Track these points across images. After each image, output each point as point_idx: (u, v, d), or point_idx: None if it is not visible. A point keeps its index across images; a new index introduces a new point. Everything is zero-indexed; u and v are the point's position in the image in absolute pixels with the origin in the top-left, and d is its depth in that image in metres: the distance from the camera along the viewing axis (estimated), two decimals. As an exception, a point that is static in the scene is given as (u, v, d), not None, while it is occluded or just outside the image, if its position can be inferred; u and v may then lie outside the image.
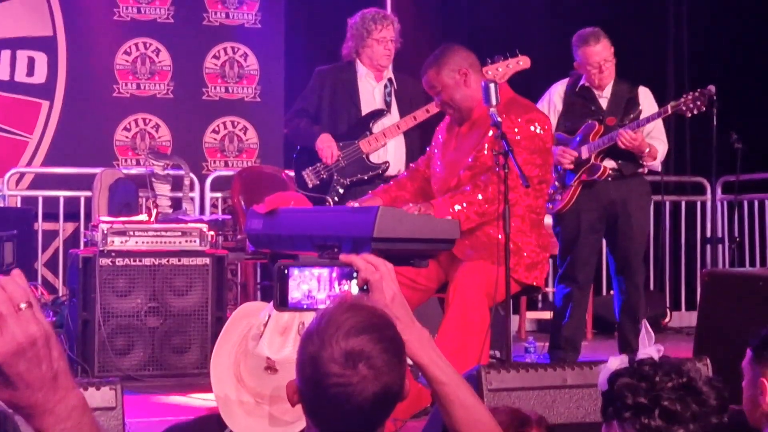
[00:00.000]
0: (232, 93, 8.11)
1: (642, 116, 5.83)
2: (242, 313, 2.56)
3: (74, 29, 7.75)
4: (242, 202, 7.13)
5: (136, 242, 5.68)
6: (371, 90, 6.04)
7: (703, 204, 8.75)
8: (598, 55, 5.77)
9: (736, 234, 8.49)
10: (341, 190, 5.89)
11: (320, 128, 5.92)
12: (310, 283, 2.05)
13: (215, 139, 8.07)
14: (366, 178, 5.90)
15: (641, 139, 5.70)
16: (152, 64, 7.91)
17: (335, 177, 5.90)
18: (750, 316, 4.34)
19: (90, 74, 7.80)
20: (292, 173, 6.44)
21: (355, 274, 2.05)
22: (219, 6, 8.09)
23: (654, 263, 8.54)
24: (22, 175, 7.65)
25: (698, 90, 5.78)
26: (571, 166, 5.76)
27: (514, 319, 7.52)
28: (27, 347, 1.38)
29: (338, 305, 1.85)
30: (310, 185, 5.93)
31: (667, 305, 8.34)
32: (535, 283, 4.65)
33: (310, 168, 5.93)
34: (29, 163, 7.68)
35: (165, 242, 5.74)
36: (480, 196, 4.43)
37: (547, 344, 5.96)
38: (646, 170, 5.94)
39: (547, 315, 7.12)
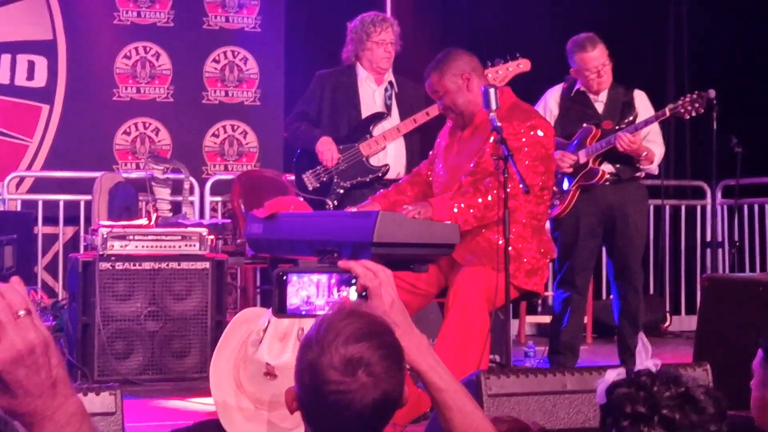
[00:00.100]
0: (231, 97, 8.11)
1: (638, 119, 5.83)
2: (242, 318, 2.56)
3: (74, 33, 7.74)
4: (242, 206, 7.13)
5: (136, 246, 5.68)
6: (371, 93, 6.04)
7: (703, 208, 8.75)
8: (596, 60, 5.78)
9: (736, 238, 8.48)
10: (341, 193, 5.89)
11: (320, 131, 5.92)
12: (309, 290, 2.05)
13: (215, 143, 8.07)
14: (366, 181, 5.90)
15: (639, 143, 5.71)
16: (152, 67, 7.91)
17: (335, 180, 5.90)
18: (750, 320, 4.34)
19: (90, 78, 7.79)
20: (292, 177, 6.44)
21: (353, 281, 2.05)
22: (219, 10, 8.09)
23: (654, 267, 8.54)
24: (22, 178, 7.64)
25: (696, 92, 5.79)
26: (570, 170, 5.76)
27: (514, 324, 7.52)
28: (26, 354, 1.38)
29: (337, 312, 1.85)
30: (310, 188, 5.93)
31: (667, 309, 8.34)
32: (534, 289, 4.65)
33: (310, 171, 5.94)
34: (29, 167, 7.67)
35: (165, 246, 5.74)
36: (480, 200, 4.42)
37: (546, 348, 5.96)
38: (643, 174, 5.95)
39: (547, 319, 7.12)
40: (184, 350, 5.71)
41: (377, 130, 5.95)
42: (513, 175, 4.23)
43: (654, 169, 5.95)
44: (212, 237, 5.90)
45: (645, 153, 5.74)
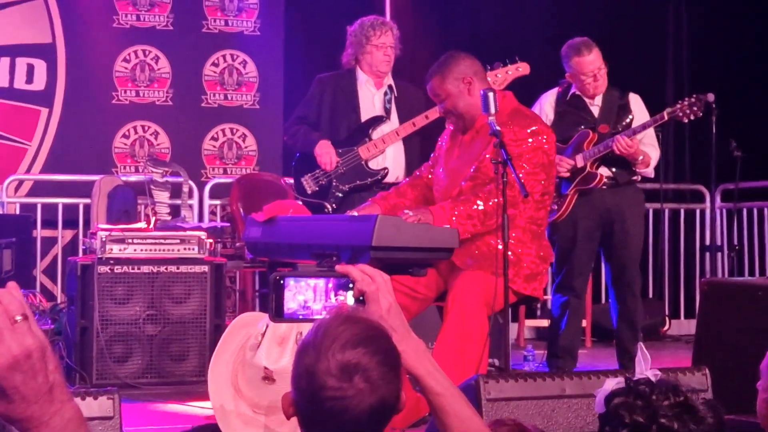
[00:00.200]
0: (231, 100, 8.11)
1: (634, 122, 5.84)
2: (240, 323, 2.55)
3: (74, 36, 7.75)
4: (241, 210, 7.13)
5: (135, 250, 5.68)
6: (371, 97, 6.04)
7: (702, 212, 8.75)
8: (592, 64, 5.78)
9: (735, 242, 8.48)
10: (340, 196, 5.89)
11: (319, 135, 5.92)
12: (306, 294, 2.04)
13: (214, 147, 8.07)
14: (365, 184, 5.90)
15: (637, 146, 5.71)
16: (151, 71, 7.91)
17: (334, 183, 5.90)
18: (749, 324, 4.34)
19: (89, 81, 7.80)
20: (291, 181, 6.44)
21: (351, 285, 2.04)
22: (218, 13, 8.09)
23: (653, 271, 8.53)
24: (21, 182, 7.64)
25: (694, 96, 5.79)
26: (568, 175, 5.76)
27: (513, 327, 7.51)
28: (22, 360, 1.37)
29: (334, 317, 1.84)
30: (309, 191, 5.93)
31: (666, 313, 8.34)
32: (533, 294, 4.64)
33: (309, 174, 5.94)
34: (28, 170, 7.67)
35: (163, 250, 5.74)
36: (480, 206, 4.41)
37: (545, 352, 5.96)
38: (639, 178, 5.95)
39: (546, 323, 7.11)
40: (182, 354, 5.70)
41: (376, 133, 5.95)
42: (512, 179, 4.22)
43: (650, 172, 5.95)
44: (211, 240, 5.90)
45: (642, 157, 5.74)
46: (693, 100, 5.76)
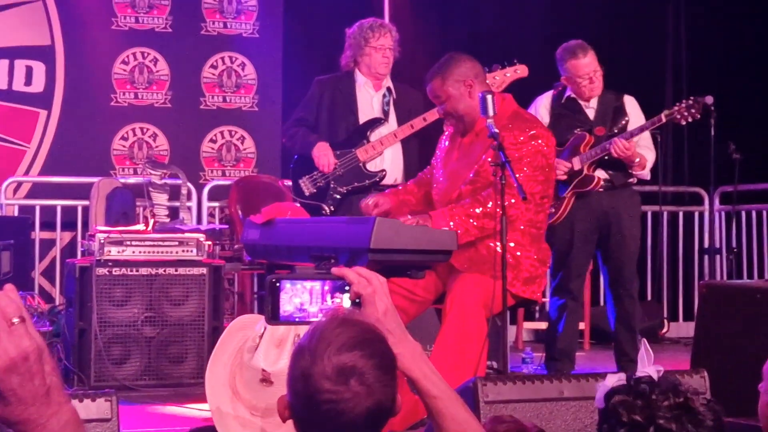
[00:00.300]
0: (229, 102, 8.11)
1: (630, 124, 5.84)
2: (238, 325, 2.55)
3: (72, 39, 7.75)
4: (239, 212, 7.13)
5: (133, 252, 5.67)
6: (370, 99, 6.04)
7: (701, 214, 8.75)
8: (588, 66, 5.78)
9: (734, 245, 8.48)
10: (338, 198, 5.89)
11: (317, 137, 5.92)
12: (302, 297, 2.04)
13: (213, 149, 8.07)
14: (363, 186, 5.90)
15: (634, 149, 5.71)
16: (150, 73, 7.91)
17: (332, 185, 5.90)
18: (747, 327, 4.34)
19: (88, 83, 7.80)
20: (289, 183, 6.43)
21: (347, 288, 2.04)
22: (217, 15, 8.09)
23: (652, 274, 8.53)
24: (19, 184, 7.64)
25: (692, 98, 5.79)
26: (565, 178, 5.76)
27: (511, 330, 7.52)
28: (19, 362, 1.37)
29: (330, 320, 1.84)
30: (307, 193, 5.93)
31: (665, 316, 8.34)
32: (532, 297, 4.64)
33: (307, 176, 5.94)
34: (27, 172, 7.67)
35: (162, 252, 5.73)
36: (479, 210, 4.41)
37: (543, 354, 5.96)
38: (635, 180, 5.95)
39: (544, 325, 7.11)
40: (180, 356, 5.70)
41: (374, 135, 5.96)
42: (511, 182, 4.22)
43: (646, 174, 5.95)
44: (209, 242, 5.89)
45: (638, 159, 5.75)
46: (691, 102, 5.76)
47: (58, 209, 7.53)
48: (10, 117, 7.64)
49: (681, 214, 8.76)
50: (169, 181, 6.84)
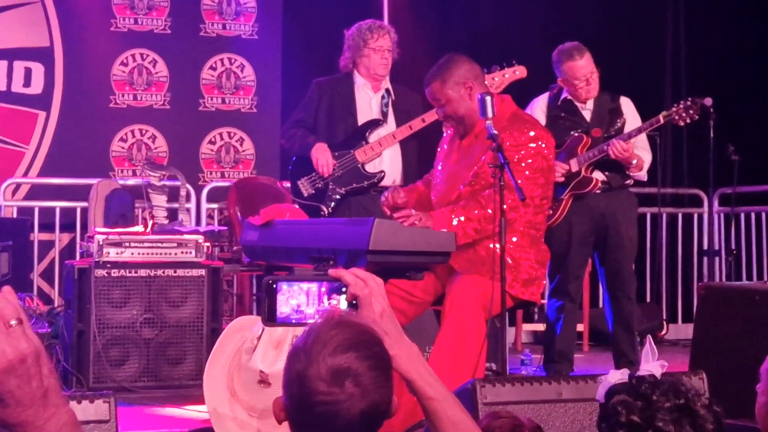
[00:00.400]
0: (228, 104, 8.11)
1: (626, 126, 5.84)
2: (236, 326, 2.55)
3: (71, 40, 7.75)
4: (238, 213, 7.12)
5: (132, 253, 5.67)
6: (368, 101, 6.04)
7: (700, 216, 8.75)
8: (585, 68, 5.78)
9: (733, 246, 8.48)
10: (337, 199, 5.89)
11: (315, 138, 5.92)
12: (299, 298, 2.03)
13: (212, 150, 8.07)
14: (361, 187, 5.90)
15: (631, 150, 5.72)
16: (149, 74, 7.91)
17: (330, 186, 5.90)
18: (746, 329, 4.35)
19: (87, 85, 7.80)
20: (288, 184, 6.43)
21: (344, 289, 2.04)
22: (216, 17, 8.09)
23: (651, 275, 8.53)
24: (18, 185, 7.64)
25: (690, 99, 5.79)
26: (563, 179, 5.76)
27: (510, 332, 7.52)
28: (17, 364, 1.37)
29: (325, 322, 1.84)
30: (306, 195, 5.93)
31: (664, 317, 8.34)
32: (531, 299, 4.64)
33: (306, 178, 5.94)
34: (25, 174, 7.67)
35: (161, 253, 5.73)
36: (479, 212, 4.41)
37: (542, 356, 5.96)
38: (632, 181, 5.95)
39: (543, 327, 7.12)
40: (179, 358, 5.69)
41: (373, 136, 5.95)
42: (509, 183, 4.22)
43: (643, 176, 5.96)
44: (208, 244, 5.89)
45: (635, 160, 5.75)
46: (689, 103, 5.76)
47: (57, 211, 7.54)
48: (9, 118, 7.64)
49: (680, 216, 8.76)
50: (168, 183, 6.83)
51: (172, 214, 6.87)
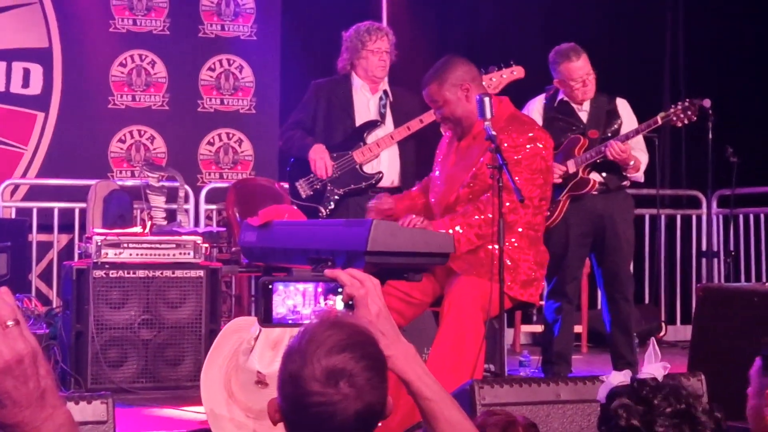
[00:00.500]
0: (227, 105, 8.11)
1: (622, 127, 5.84)
2: (233, 327, 2.55)
3: (70, 41, 7.74)
4: (237, 214, 7.12)
5: (130, 254, 5.67)
6: (366, 102, 6.04)
7: (699, 218, 8.75)
8: (581, 69, 5.78)
9: (732, 248, 8.48)
10: (335, 200, 5.90)
11: (313, 139, 5.93)
12: (295, 299, 2.03)
13: (210, 151, 8.07)
14: (359, 188, 5.90)
15: (629, 151, 5.72)
16: (148, 75, 7.91)
17: (329, 187, 5.90)
18: (745, 330, 4.34)
19: (85, 86, 7.79)
20: (286, 185, 6.44)
21: (340, 290, 2.03)
22: (215, 18, 8.09)
23: (649, 277, 8.53)
24: (16, 186, 7.64)
25: (688, 100, 5.79)
26: (560, 181, 5.76)
27: (509, 333, 7.52)
28: (14, 365, 1.37)
29: (320, 322, 1.83)
30: (304, 196, 5.93)
31: (662, 319, 8.34)
32: (529, 300, 4.64)
33: (304, 179, 5.94)
34: (24, 175, 7.67)
35: (159, 254, 5.73)
36: (479, 217, 4.41)
37: (540, 357, 5.96)
38: (629, 183, 5.95)
39: (541, 328, 7.12)
40: (177, 359, 5.69)
41: (371, 137, 5.96)
42: (508, 184, 4.22)
43: (640, 177, 5.96)
44: (207, 245, 5.89)
45: (633, 162, 5.75)
46: (687, 104, 5.76)
47: (56, 211, 7.53)
48: (8, 119, 7.63)
49: (679, 218, 8.76)
50: (166, 184, 6.83)
51: (171, 215, 6.87)
